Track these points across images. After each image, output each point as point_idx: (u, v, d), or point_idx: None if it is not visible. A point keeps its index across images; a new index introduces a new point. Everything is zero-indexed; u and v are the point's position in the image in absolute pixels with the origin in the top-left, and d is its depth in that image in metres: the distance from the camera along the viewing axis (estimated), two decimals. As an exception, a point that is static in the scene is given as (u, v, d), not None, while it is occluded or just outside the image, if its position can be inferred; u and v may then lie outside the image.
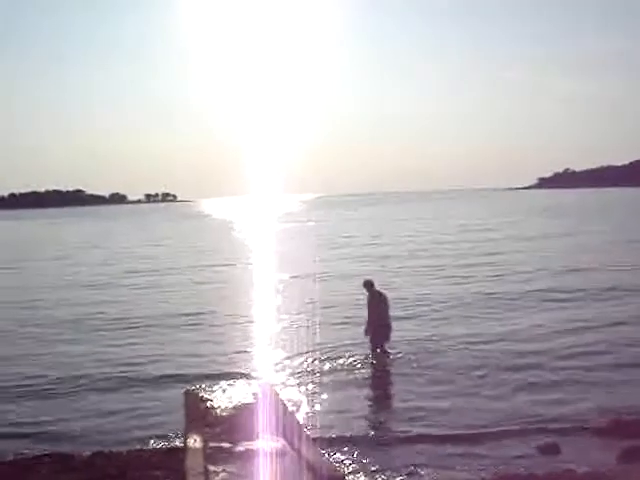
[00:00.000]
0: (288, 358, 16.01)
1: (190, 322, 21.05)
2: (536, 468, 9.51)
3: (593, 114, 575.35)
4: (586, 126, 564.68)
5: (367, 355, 15.94)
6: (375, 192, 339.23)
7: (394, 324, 16.61)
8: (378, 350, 15.94)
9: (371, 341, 16.04)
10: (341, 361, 15.65)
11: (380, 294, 16.54)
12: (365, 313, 16.38)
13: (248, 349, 17.14)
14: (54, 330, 20.68)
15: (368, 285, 16.53)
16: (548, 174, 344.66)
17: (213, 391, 13.13)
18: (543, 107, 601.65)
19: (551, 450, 10.26)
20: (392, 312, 16.69)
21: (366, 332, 16.09)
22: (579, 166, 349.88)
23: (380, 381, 14.94)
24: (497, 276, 29.10)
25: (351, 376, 14.84)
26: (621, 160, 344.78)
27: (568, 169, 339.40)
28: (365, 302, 16.50)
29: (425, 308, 21.99)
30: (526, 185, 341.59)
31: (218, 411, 9.44)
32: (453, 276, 29.45)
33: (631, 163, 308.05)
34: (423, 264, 34.43)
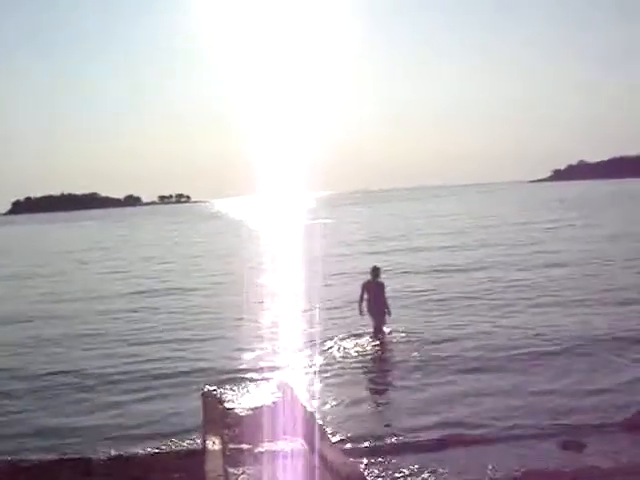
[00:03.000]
0: (307, 356, 15.99)
1: (211, 322, 21.06)
2: (561, 465, 9.36)
3: (607, 104, 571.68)
4: (600, 116, 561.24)
5: (373, 340, 17.01)
6: (390, 188, 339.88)
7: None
8: (380, 333, 17.25)
9: (372, 320, 17.40)
10: (355, 352, 16.34)
11: (380, 282, 17.70)
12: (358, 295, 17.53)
13: (267, 349, 17.01)
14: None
15: (375, 272, 17.70)
16: (562, 166, 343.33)
17: (231, 392, 13.04)
18: (557, 97, 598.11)
19: (575, 446, 10.09)
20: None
21: (362, 312, 17.36)
22: (593, 158, 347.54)
23: (390, 372, 15.14)
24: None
25: (365, 367, 15.35)
26: (635, 150, 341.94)
27: (582, 161, 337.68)
28: (362, 286, 17.53)
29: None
30: (541, 178, 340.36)
31: (237, 412, 9.31)
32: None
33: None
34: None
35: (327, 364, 15.23)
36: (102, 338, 19.53)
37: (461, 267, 29.99)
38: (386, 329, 17.53)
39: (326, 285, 25.86)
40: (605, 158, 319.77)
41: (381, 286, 17.68)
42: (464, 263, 31.26)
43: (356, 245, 44.63)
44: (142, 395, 13.87)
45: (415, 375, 14.14)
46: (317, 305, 21.05)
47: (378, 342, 16.96)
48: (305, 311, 20.67)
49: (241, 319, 20.52)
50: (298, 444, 7.89)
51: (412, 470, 9.56)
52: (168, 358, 16.68)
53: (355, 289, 18.48)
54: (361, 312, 17.43)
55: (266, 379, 13.95)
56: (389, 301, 17.67)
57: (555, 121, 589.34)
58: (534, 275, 26.34)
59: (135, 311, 24.09)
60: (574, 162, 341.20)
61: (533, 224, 52.74)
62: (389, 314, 17.48)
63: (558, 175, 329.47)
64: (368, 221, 76.64)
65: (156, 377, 15.08)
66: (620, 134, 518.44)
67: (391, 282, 19.46)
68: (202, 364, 15.88)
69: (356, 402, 12.76)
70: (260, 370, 14.91)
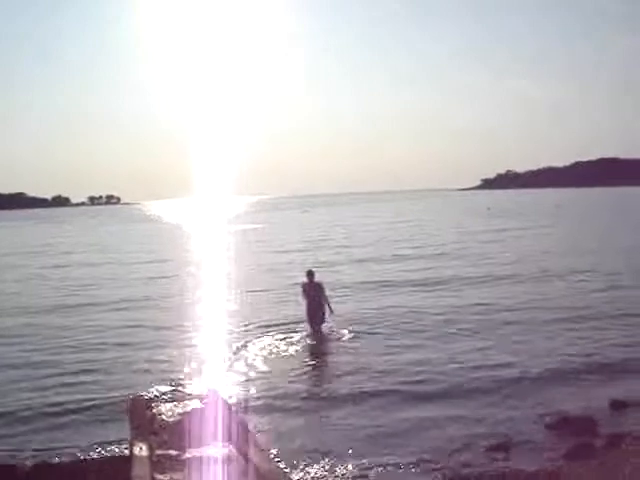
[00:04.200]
0: (233, 359, 15.99)
1: (134, 328, 20.60)
2: (485, 468, 9.58)
3: (537, 116, 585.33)
4: (529, 128, 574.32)
5: (306, 337, 17.73)
6: (327, 193, 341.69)
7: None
8: (315, 329, 17.96)
9: (309, 323, 18.11)
10: (283, 349, 16.81)
11: (318, 283, 18.37)
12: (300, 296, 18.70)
13: (193, 353, 16.84)
14: None
15: (311, 274, 18.42)
16: (491, 175, 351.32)
17: (159, 397, 12.89)
18: (488, 109, 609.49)
19: (500, 449, 10.34)
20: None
21: (306, 314, 18.21)
22: (521, 167, 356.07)
23: (325, 377, 15.20)
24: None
25: (293, 364, 15.70)
26: (562, 162, 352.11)
27: (510, 170, 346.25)
28: (301, 287, 18.60)
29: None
30: (471, 186, 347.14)
31: (164, 417, 9.22)
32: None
33: (572, 165, 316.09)
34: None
35: (259, 369, 15.21)
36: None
37: (404, 281, 28.47)
38: (325, 328, 18.10)
39: (257, 294, 25.75)
40: (534, 168, 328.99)
41: (318, 286, 18.21)
42: (408, 277, 29.74)
43: (287, 254, 43.21)
44: (69, 399, 13.56)
45: (349, 385, 13.98)
46: (248, 312, 21.01)
47: (316, 342, 17.43)
48: (235, 320, 20.35)
49: (168, 328, 19.95)
50: (227, 449, 7.88)
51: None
52: (85, 382, 14.95)
53: (284, 297, 18.46)
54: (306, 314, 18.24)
55: (195, 385, 13.86)
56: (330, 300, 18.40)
57: (486, 131, 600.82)
58: (480, 290, 25.42)
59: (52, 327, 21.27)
60: (502, 171, 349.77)
61: (468, 234, 53.26)
62: (331, 312, 18.02)
63: (488, 184, 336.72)
64: (302, 227, 76.60)
65: (84, 381, 14.80)
66: (548, 145, 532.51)
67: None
68: (133, 370, 15.68)
69: (288, 408, 12.75)
70: (189, 376, 14.80)
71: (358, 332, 18.30)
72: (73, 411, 12.89)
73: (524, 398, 12.76)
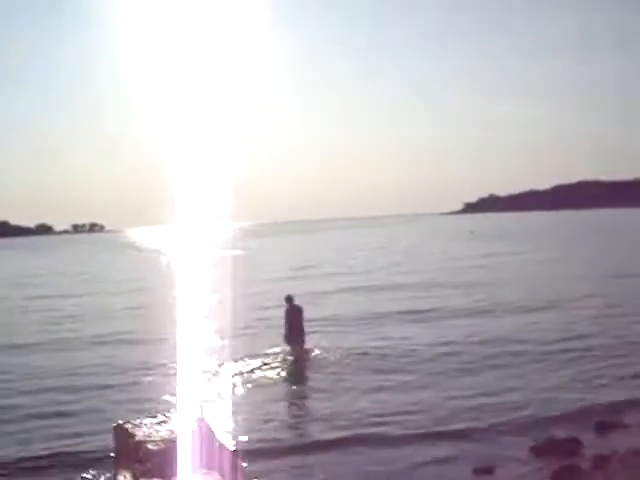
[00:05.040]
0: (219, 391, 15.75)
1: (117, 364, 20.18)
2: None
3: (518, 139, 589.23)
4: (511, 151, 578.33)
5: (289, 362, 18.49)
6: (308, 219, 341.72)
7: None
8: (296, 349, 18.96)
9: (289, 343, 19.06)
10: (269, 381, 17.07)
11: (298, 307, 19.48)
12: (283, 322, 19.42)
13: (178, 386, 16.60)
14: None
15: (290, 300, 19.59)
16: (474, 199, 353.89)
17: (144, 425, 12.78)
18: (469, 132, 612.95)
19: (485, 471, 10.34)
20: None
21: (285, 338, 19.05)
22: (503, 191, 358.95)
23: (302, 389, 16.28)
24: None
25: (279, 401, 15.82)
26: (544, 185, 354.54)
27: (492, 194, 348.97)
28: (284, 313, 19.48)
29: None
30: (453, 210, 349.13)
31: (149, 445, 9.15)
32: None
33: (553, 187, 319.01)
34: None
35: (244, 395, 15.18)
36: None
37: (392, 312, 27.25)
38: (306, 348, 19.07)
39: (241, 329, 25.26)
40: (515, 192, 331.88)
41: (299, 310, 19.30)
42: (396, 307, 28.44)
43: (270, 283, 40.85)
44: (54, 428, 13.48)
45: (336, 425, 13.51)
46: (232, 343, 20.73)
47: (301, 374, 17.94)
48: (219, 351, 19.79)
49: (152, 363, 18.99)
50: (211, 477, 7.82)
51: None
52: (64, 426, 14.30)
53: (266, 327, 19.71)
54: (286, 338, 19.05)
55: (180, 412, 13.69)
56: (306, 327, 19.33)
57: (468, 154, 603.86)
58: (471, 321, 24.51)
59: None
60: (485, 195, 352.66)
61: (452, 259, 53.09)
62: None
63: (470, 207, 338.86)
64: (288, 253, 76.30)
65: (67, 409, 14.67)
66: (530, 169, 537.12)
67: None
68: (114, 398, 15.59)
69: (275, 436, 12.73)
70: (174, 407, 14.63)
71: (346, 366, 17.97)
72: (52, 456, 12.29)
73: (514, 433, 12.40)
